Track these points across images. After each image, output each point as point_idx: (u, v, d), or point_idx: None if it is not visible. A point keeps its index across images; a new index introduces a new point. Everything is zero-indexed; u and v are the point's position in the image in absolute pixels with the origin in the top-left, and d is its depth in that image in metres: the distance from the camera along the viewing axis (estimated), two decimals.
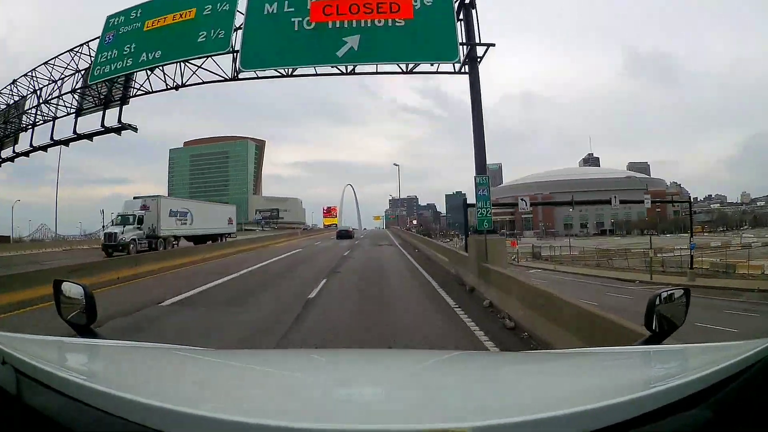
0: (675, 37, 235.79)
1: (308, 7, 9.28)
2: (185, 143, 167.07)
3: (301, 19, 9.38)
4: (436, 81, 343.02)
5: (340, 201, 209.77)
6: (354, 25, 9.41)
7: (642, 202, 28.38)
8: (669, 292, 1.45)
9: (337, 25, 9.51)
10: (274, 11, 9.42)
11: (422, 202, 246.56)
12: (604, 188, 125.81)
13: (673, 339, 1.43)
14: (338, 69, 10.40)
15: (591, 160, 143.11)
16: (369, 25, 9.25)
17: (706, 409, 0.84)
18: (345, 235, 39.67)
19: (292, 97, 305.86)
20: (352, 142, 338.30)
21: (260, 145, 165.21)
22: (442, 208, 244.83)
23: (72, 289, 1.52)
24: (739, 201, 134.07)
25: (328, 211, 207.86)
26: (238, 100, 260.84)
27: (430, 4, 9.08)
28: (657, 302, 1.41)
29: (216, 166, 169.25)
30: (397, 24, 9.25)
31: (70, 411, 0.83)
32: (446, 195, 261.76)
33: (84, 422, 0.81)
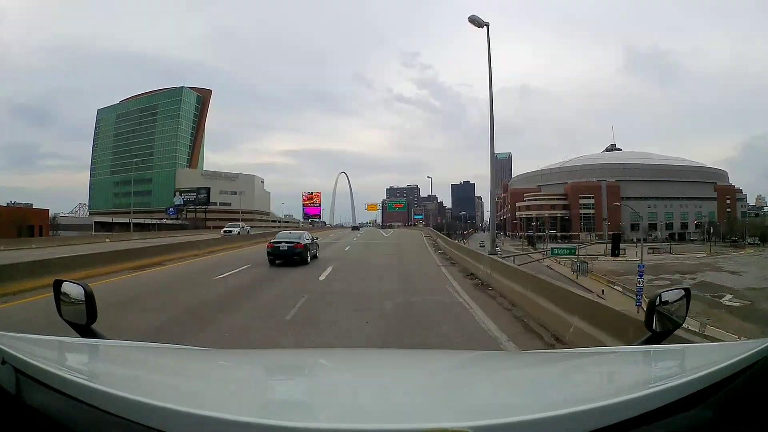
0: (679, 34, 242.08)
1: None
2: (122, 101, 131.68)
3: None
4: (433, 71, 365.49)
5: (333, 191, 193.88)
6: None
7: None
8: (669, 293, 1.55)
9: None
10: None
11: (422, 194, 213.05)
12: (669, 178, 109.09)
13: (673, 339, 1.54)
14: None
15: (614, 151, 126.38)
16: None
17: (706, 409, 0.86)
18: (356, 228, 73.85)
19: (285, 85, 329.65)
20: (346, 132, 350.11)
21: (203, 97, 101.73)
22: (442, 200, 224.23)
23: (72, 289, 1.60)
24: (755, 204, 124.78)
25: (310, 199, 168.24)
26: (231, 88, 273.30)
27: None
28: (657, 302, 1.51)
29: (143, 128, 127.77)
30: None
31: (69, 410, 0.85)
32: (452, 185, 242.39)
33: (84, 422, 0.83)
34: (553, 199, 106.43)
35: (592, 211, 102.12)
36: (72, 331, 1.55)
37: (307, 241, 14.64)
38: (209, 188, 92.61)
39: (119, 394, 0.83)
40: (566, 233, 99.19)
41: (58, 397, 0.86)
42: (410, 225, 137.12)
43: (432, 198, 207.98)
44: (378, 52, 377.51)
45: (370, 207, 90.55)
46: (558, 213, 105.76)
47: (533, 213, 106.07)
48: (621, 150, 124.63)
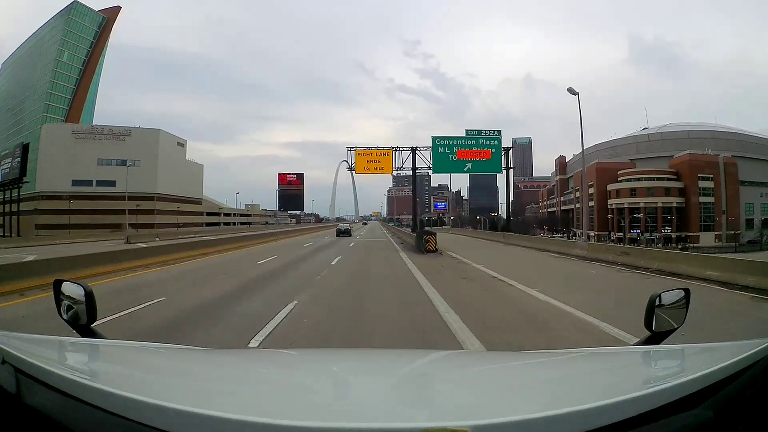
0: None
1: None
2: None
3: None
4: (435, 60, 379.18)
5: (334, 181, 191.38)
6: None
7: None
8: (669, 293, 1.63)
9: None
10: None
11: (433, 183, 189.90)
12: None
13: (672, 339, 1.60)
14: None
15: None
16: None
17: (706, 409, 0.90)
18: (364, 222, 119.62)
19: (286, 74, 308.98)
20: (349, 123, 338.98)
21: (107, 18, 42.77)
22: (460, 188, 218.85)
23: (72, 289, 1.67)
24: None
25: (287, 183, 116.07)
26: (234, 79, 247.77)
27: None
28: (657, 302, 1.59)
29: (27, 73, 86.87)
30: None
31: (69, 410, 0.88)
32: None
33: (84, 421, 0.86)
34: (664, 179, 78.40)
35: (711, 198, 75.77)
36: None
37: (350, 227, 55.36)
38: (26, 146, 49.06)
39: (119, 394, 0.86)
40: (681, 232, 73.87)
41: (58, 397, 0.90)
42: (428, 220, 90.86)
43: (443, 187, 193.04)
44: (379, 40, 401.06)
45: (364, 160, 32.37)
46: (674, 201, 76.20)
47: (641, 201, 76.50)
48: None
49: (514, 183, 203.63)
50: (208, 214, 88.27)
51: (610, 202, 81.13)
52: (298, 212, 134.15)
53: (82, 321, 1.58)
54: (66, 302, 1.63)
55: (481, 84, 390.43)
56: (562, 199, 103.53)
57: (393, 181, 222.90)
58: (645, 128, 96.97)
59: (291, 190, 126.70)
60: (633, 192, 78.88)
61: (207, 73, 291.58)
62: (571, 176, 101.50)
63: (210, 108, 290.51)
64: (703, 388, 0.91)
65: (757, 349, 0.96)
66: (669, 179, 78.90)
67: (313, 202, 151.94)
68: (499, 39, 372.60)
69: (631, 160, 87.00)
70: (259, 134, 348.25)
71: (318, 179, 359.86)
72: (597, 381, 1.30)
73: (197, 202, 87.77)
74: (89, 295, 1.59)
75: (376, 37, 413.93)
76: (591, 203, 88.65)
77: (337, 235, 42.50)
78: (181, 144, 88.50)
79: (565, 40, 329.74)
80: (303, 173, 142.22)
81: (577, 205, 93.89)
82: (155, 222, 67.21)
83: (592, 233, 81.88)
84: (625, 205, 78.44)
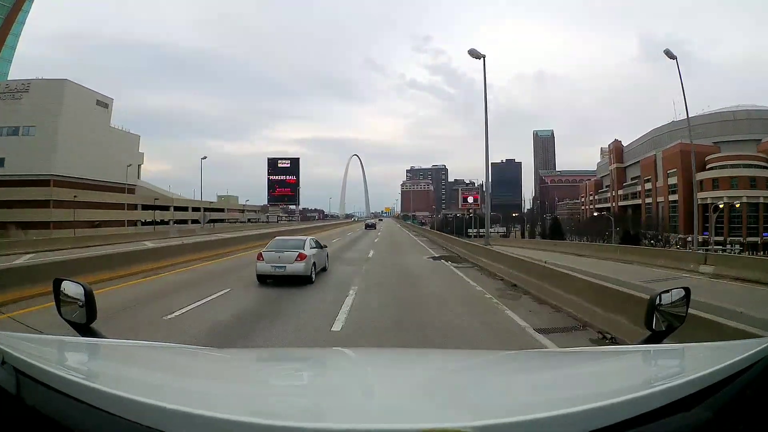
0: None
1: None
2: None
3: None
4: (446, 56, 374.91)
5: (344, 176, 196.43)
6: None
7: None
8: (669, 292, 1.72)
9: None
10: None
11: (450, 177, 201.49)
12: None
13: (673, 339, 1.68)
14: None
15: None
16: None
17: (706, 409, 0.92)
18: (380, 219, 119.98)
19: (296, 71, 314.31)
20: (360, 120, 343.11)
21: None
22: (482, 182, 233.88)
23: (71, 288, 1.75)
24: None
25: (277, 169, 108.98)
26: (243, 76, 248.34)
27: None
28: (657, 302, 1.68)
29: None
30: None
31: (70, 411, 0.91)
32: (492, 164, 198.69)
33: (84, 422, 0.89)
34: (759, 166, 65.45)
35: None
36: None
37: (375, 222, 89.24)
38: None
39: (119, 394, 0.90)
40: None
41: (58, 397, 0.93)
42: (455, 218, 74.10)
43: (459, 182, 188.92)
44: (389, 37, 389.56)
45: None
46: None
47: (743, 194, 61.43)
48: None
49: (540, 177, 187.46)
50: (146, 207, 65.04)
51: (701, 195, 65.54)
52: (293, 206, 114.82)
53: (82, 320, 1.63)
54: (66, 302, 1.68)
55: (492, 80, 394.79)
56: (621, 192, 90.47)
57: (407, 174, 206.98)
58: (673, 120, 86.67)
59: (282, 179, 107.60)
60: (734, 183, 66.61)
61: (216, 70, 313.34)
62: (635, 163, 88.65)
63: (218, 105, 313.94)
64: (703, 388, 0.93)
65: (756, 350, 1.00)
66: (763, 167, 67.70)
67: (312, 195, 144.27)
68: (511, 35, 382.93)
69: (714, 143, 73.52)
70: (267, 131, 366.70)
71: (327, 176, 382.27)
72: (598, 381, 1.34)
73: (131, 191, 64.48)
74: (89, 294, 1.64)
75: (387, 33, 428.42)
76: (671, 197, 76.01)
77: (365, 228, 59.44)
78: (104, 104, 65.27)
79: (579, 34, 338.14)
80: (298, 158, 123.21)
81: (648, 200, 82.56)
82: (52, 219, 47.45)
83: (696, 238, 65.37)
84: (725, 200, 64.36)
